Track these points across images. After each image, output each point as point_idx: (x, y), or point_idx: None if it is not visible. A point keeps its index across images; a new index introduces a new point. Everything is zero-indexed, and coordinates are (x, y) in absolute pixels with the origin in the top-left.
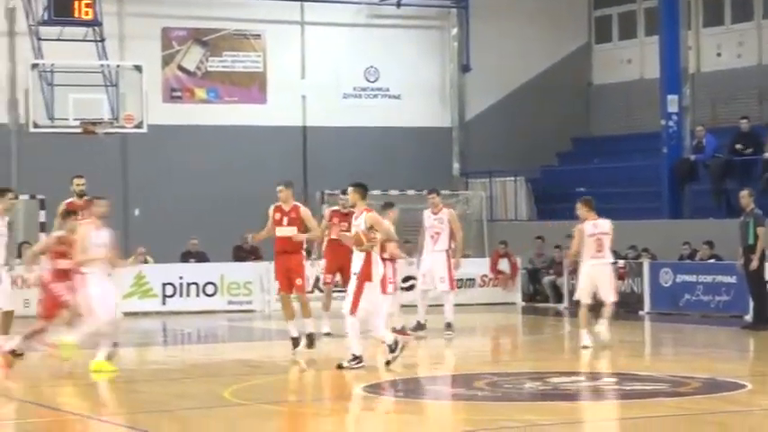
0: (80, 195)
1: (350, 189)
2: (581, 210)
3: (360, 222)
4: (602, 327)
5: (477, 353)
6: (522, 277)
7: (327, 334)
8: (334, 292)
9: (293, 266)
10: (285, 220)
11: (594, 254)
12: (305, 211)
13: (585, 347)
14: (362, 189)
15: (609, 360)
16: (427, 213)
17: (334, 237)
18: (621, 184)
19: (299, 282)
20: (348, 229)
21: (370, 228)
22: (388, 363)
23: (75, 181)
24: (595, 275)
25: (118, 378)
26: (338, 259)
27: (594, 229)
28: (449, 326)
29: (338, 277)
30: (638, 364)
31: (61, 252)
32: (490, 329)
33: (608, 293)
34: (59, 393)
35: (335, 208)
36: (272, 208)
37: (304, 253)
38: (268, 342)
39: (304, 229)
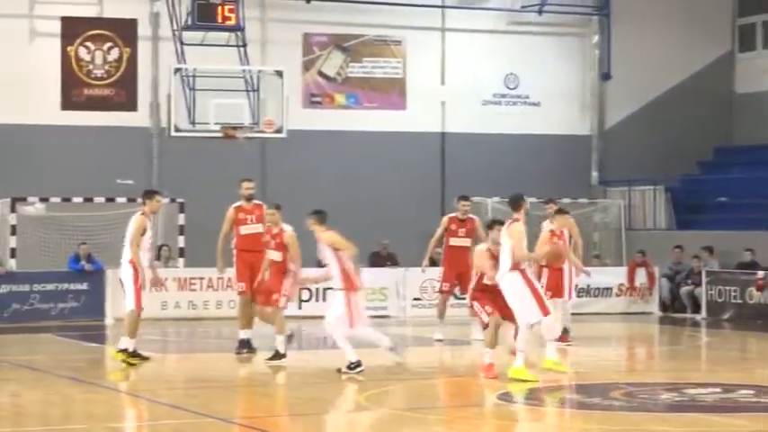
0: (248, 199)
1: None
2: None
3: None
4: None
5: (613, 362)
6: (662, 287)
7: (439, 340)
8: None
9: (273, 284)
10: (272, 243)
11: None
12: (288, 237)
13: None
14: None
15: (746, 372)
16: (546, 224)
17: (452, 244)
18: (764, 195)
19: (275, 297)
20: (467, 235)
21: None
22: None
23: (245, 185)
24: None
25: (255, 382)
26: (457, 266)
27: None
28: (565, 331)
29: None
30: None
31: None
32: (626, 339)
33: None
34: (194, 395)
35: (453, 214)
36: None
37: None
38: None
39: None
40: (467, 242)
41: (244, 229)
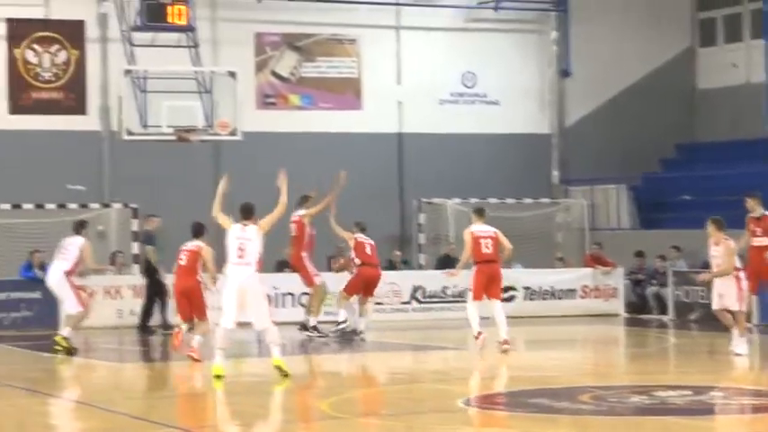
0: None
1: None
2: (710, 228)
3: None
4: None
5: (580, 365)
6: (626, 288)
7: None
8: None
9: None
10: None
11: None
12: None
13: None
14: None
15: (716, 374)
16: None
17: None
18: (727, 192)
19: None
20: None
21: None
22: None
23: None
24: None
25: (207, 389)
26: None
27: None
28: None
29: None
30: (745, 378)
31: None
32: (591, 341)
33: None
34: (153, 405)
35: None
36: None
37: None
38: (364, 354)
39: None
40: None
41: None
